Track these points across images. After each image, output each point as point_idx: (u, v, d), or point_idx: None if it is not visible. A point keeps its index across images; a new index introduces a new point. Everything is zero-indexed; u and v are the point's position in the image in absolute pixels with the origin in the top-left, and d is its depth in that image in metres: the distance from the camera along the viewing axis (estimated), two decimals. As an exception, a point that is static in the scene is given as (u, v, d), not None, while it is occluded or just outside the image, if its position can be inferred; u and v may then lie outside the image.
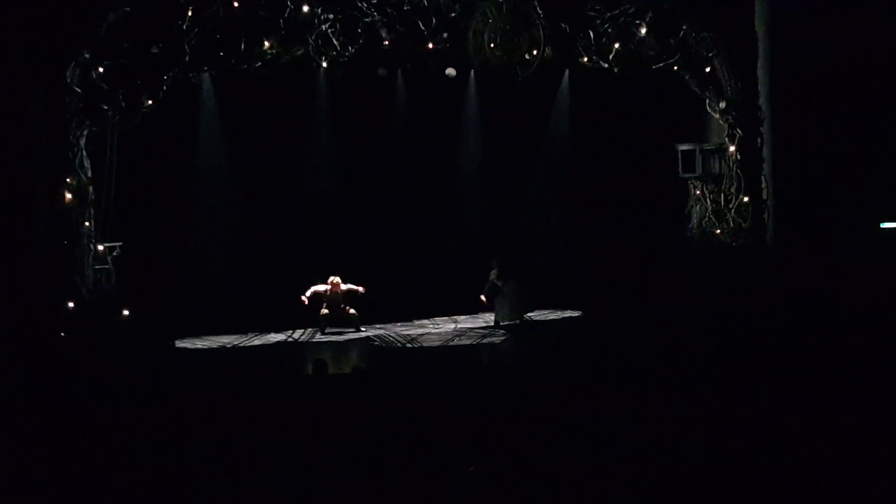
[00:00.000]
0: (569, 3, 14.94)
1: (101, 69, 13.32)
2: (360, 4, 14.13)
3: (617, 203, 17.44)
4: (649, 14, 15.07)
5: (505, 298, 16.42)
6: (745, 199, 15.41)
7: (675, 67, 15.40)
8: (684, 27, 15.24)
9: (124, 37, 13.35)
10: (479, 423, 9.87)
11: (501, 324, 16.31)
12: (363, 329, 16.09)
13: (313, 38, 14.08)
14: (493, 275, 16.51)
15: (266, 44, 13.87)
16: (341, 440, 9.53)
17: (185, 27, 13.50)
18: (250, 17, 13.79)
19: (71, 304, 13.17)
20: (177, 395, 11.66)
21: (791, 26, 14.92)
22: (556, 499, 8.02)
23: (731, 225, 15.50)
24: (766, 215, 15.44)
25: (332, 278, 15.93)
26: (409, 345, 15.35)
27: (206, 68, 14.28)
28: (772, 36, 15.19)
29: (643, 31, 15.08)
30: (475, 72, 17.13)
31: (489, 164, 18.14)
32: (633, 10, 15.04)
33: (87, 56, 13.20)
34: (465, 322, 17.11)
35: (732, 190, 15.54)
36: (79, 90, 13.20)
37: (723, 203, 15.62)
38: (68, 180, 13.25)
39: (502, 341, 15.41)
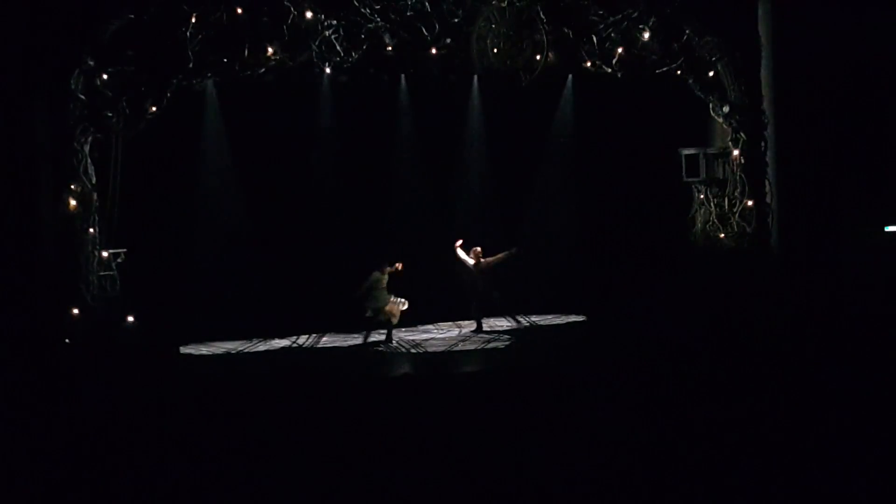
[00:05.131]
0: (572, 8, 14.95)
1: (105, 76, 13.34)
2: (363, 10, 14.14)
3: (621, 207, 17.44)
4: (652, 19, 15.08)
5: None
6: (749, 203, 15.41)
7: (679, 72, 15.40)
8: (687, 31, 15.25)
9: (128, 44, 13.36)
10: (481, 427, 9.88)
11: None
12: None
13: (317, 43, 14.09)
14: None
15: (269, 50, 13.88)
16: (345, 444, 9.54)
17: (188, 34, 13.51)
18: (254, 23, 13.80)
19: (75, 311, 13.19)
20: (181, 402, 11.68)
21: (794, 30, 14.92)
22: (557, 499, 8.03)
23: (735, 229, 15.49)
24: (770, 219, 15.43)
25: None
26: (413, 350, 15.35)
27: (209, 75, 14.28)
28: (775, 39, 15.20)
29: (646, 35, 15.09)
30: (478, 77, 17.13)
31: (492, 167, 18.14)
32: (636, 14, 15.05)
33: (90, 63, 13.22)
34: (469, 327, 17.10)
35: (736, 194, 15.53)
36: (83, 97, 13.23)
37: (727, 207, 15.62)
38: (73, 187, 13.28)
39: (504, 346, 15.43)
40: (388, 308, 15.63)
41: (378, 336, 15.96)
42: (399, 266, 15.62)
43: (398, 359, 14.85)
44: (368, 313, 15.59)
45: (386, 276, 15.59)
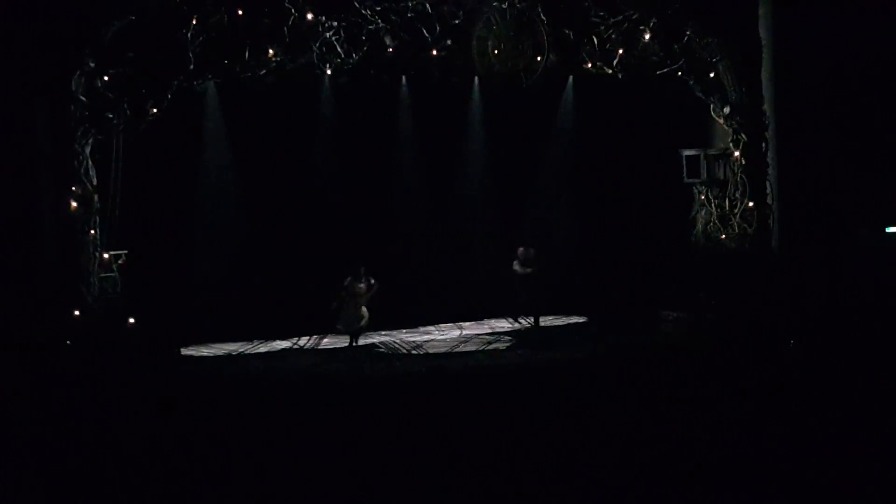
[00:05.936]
0: (572, 10, 14.96)
1: (106, 78, 13.35)
2: (364, 12, 14.15)
3: (622, 208, 17.45)
4: (653, 20, 15.07)
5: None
6: (750, 204, 15.39)
7: (680, 73, 15.40)
8: (688, 32, 15.24)
9: (129, 45, 13.38)
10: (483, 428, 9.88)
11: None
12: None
13: (317, 45, 14.09)
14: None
15: (270, 52, 13.89)
16: (347, 445, 9.55)
17: (189, 35, 13.52)
18: (254, 25, 13.80)
19: (76, 312, 13.19)
20: (182, 403, 11.69)
21: (794, 30, 14.93)
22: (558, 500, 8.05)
23: (737, 230, 15.48)
24: (771, 220, 15.42)
25: None
26: (413, 351, 15.36)
27: (210, 76, 14.29)
28: (775, 40, 15.20)
29: (647, 36, 15.09)
30: (479, 78, 17.13)
31: (492, 168, 18.14)
32: (636, 15, 15.05)
33: (92, 65, 13.23)
34: (471, 328, 17.11)
35: (737, 195, 15.52)
36: (84, 99, 13.24)
37: (728, 208, 15.61)
38: (74, 189, 13.28)
39: (505, 348, 15.42)
40: (361, 323, 15.22)
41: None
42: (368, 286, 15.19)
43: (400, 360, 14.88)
44: (339, 327, 15.29)
45: (363, 287, 15.14)
